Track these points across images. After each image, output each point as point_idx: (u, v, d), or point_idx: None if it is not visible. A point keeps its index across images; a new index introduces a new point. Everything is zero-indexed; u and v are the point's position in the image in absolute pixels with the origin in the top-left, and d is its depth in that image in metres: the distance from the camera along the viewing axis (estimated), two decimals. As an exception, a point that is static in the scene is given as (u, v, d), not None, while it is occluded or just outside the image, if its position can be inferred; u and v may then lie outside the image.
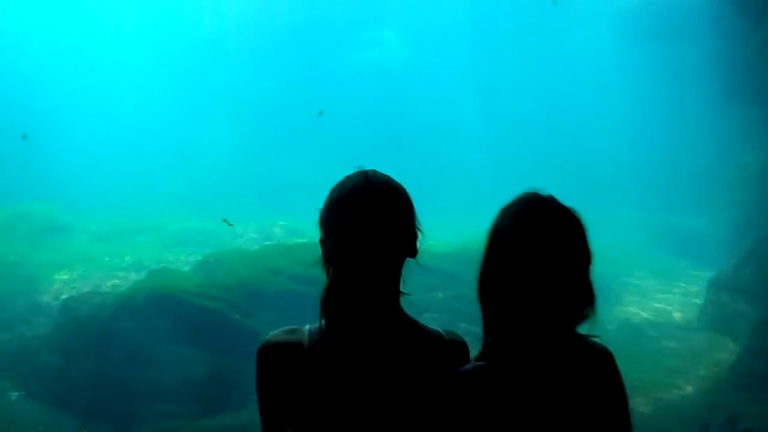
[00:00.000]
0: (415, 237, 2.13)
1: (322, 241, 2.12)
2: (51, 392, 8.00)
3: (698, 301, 11.92)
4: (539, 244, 2.00)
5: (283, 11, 24.97)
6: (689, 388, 8.44)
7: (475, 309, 2.16)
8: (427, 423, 2.05)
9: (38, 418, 7.70)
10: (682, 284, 13.66)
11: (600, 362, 2.10)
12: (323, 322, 2.04)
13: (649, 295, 13.02)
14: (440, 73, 24.38)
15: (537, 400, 2.02)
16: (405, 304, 2.30)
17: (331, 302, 2.03)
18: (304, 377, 1.99)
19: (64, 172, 20.28)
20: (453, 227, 17.63)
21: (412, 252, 2.12)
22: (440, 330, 2.16)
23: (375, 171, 2.15)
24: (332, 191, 2.12)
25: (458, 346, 2.14)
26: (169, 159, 22.91)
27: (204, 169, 22.57)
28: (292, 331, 2.07)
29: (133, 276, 13.04)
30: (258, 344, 2.06)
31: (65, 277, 13.54)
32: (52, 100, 22.45)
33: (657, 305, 12.41)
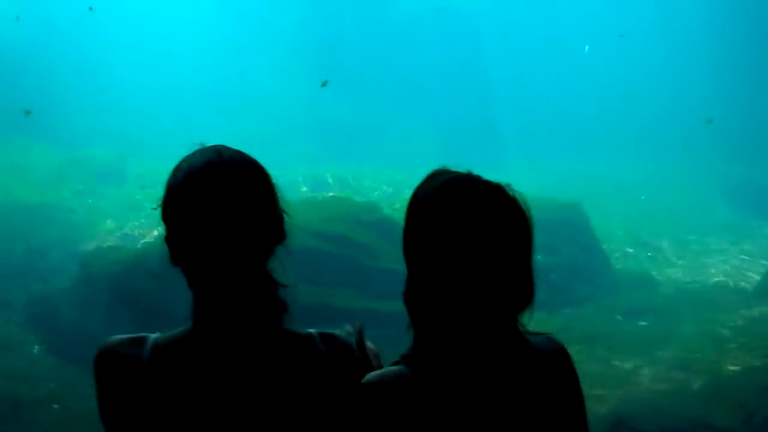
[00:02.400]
0: (282, 219, 1.82)
1: (168, 239, 1.76)
2: (68, 347, 7.92)
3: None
4: (470, 229, 1.71)
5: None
6: (741, 367, 7.70)
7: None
8: None
9: (53, 374, 7.65)
10: (751, 246, 12.71)
11: (549, 363, 1.83)
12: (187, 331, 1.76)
13: (710, 255, 12.17)
14: (513, 15, 23.24)
15: (474, 413, 1.74)
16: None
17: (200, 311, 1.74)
18: (142, 399, 1.69)
19: (122, 118, 20.38)
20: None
21: (281, 236, 1.81)
22: (314, 332, 1.81)
23: (225, 146, 1.82)
24: (175, 172, 1.75)
25: (338, 351, 1.80)
26: (229, 104, 22.78)
27: (263, 113, 22.39)
28: (132, 341, 1.75)
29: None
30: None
31: (111, 226, 13.59)
32: (111, 45, 22.50)
33: (718, 267, 11.58)
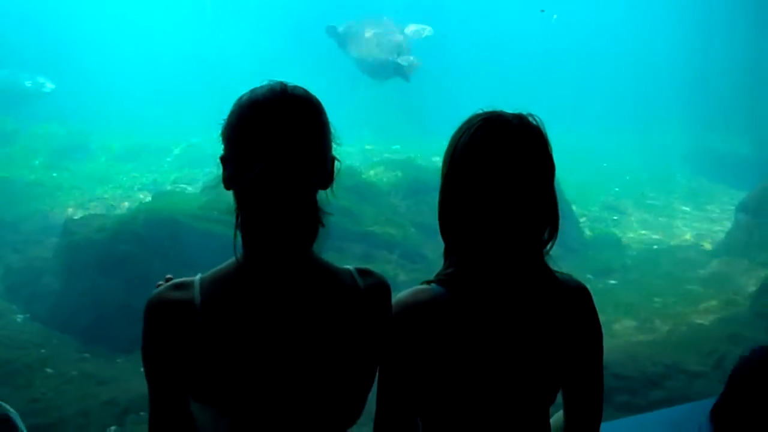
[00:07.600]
0: (332, 161, 1.85)
1: (224, 160, 1.79)
2: (53, 315, 7.94)
3: (728, 226, 11.48)
4: (499, 159, 1.86)
5: None
6: (708, 318, 8.11)
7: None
8: (363, 370, 1.84)
9: (41, 341, 7.65)
10: (712, 208, 13.20)
11: (573, 297, 1.99)
12: (232, 266, 1.81)
13: (674, 218, 12.62)
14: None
15: (501, 334, 1.89)
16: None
17: (250, 239, 1.78)
18: (199, 340, 1.71)
19: (83, 91, 19.98)
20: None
21: (328, 179, 1.84)
22: (352, 269, 1.90)
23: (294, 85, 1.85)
24: (241, 98, 1.79)
25: (375, 287, 1.87)
26: (195, 74, 22.36)
27: (232, 81, 22.06)
28: (179, 286, 1.77)
29: (146, 197, 12.92)
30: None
31: (81, 197, 13.48)
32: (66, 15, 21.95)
33: (682, 229, 12.03)
